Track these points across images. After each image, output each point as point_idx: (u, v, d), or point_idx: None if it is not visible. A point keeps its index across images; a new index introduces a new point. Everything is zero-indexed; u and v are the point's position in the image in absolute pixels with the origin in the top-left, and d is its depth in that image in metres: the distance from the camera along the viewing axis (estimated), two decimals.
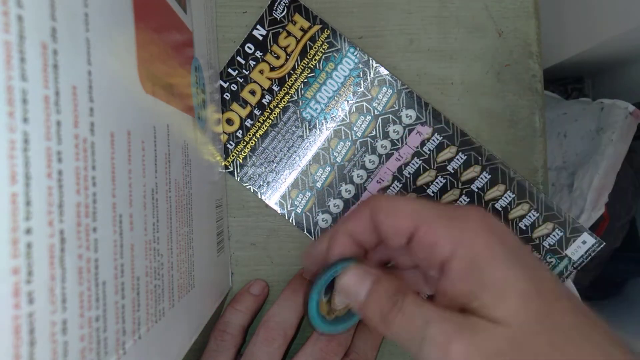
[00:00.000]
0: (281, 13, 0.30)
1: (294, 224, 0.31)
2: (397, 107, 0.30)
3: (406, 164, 0.30)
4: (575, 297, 0.19)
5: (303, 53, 0.30)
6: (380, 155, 0.30)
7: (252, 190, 0.31)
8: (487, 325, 0.18)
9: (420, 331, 0.18)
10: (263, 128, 0.30)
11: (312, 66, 0.30)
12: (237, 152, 0.30)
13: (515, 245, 0.19)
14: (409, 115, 0.30)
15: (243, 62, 0.30)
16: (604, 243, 0.30)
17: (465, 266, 0.19)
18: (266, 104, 0.30)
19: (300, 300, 0.28)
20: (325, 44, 0.30)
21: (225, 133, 0.30)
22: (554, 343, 0.17)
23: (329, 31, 0.30)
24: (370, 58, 0.30)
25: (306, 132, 0.30)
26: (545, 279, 0.18)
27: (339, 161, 0.30)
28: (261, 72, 0.30)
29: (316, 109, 0.30)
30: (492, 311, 0.18)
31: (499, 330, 0.17)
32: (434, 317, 0.18)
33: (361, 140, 0.30)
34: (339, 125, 0.30)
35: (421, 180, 0.30)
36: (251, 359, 0.26)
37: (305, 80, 0.30)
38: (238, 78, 0.30)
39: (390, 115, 0.30)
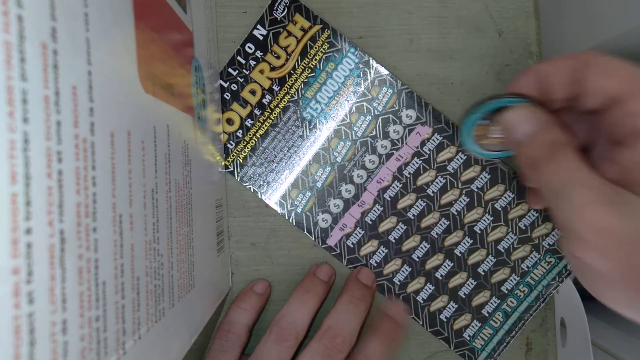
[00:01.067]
0: (281, 13, 0.30)
1: (294, 223, 0.31)
2: (397, 107, 0.30)
3: (406, 164, 0.30)
4: None
5: (303, 53, 0.30)
6: (380, 155, 0.30)
7: (252, 190, 0.31)
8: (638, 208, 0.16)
9: (561, 188, 0.18)
10: (263, 128, 0.30)
11: (312, 66, 0.30)
12: (238, 152, 0.30)
13: None
14: (409, 115, 0.30)
15: (243, 61, 0.30)
16: None
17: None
18: (266, 103, 0.30)
19: (312, 301, 0.28)
20: (326, 44, 0.30)
21: (226, 133, 0.30)
22: None
23: (329, 31, 0.30)
24: (371, 58, 0.30)
25: (306, 132, 0.30)
26: None
27: (339, 161, 0.30)
28: (261, 71, 0.30)
29: (316, 108, 0.30)
30: None
31: None
32: (583, 179, 0.18)
33: (361, 140, 0.30)
34: (339, 125, 0.30)
35: (421, 180, 0.30)
36: (261, 357, 0.26)
37: (306, 80, 0.30)
38: (238, 78, 0.30)
39: (391, 115, 0.30)
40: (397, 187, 0.30)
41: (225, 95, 0.30)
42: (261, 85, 0.30)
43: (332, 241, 0.31)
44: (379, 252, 0.30)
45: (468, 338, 0.31)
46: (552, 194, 0.19)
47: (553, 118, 0.21)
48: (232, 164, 0.31)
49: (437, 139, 0.30)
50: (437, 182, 0.30)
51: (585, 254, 0.17)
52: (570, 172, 0.18)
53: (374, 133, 0.30)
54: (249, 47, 0.30)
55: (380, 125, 0.30)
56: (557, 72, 0.21)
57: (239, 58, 0.30)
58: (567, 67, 0.21)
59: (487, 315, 0.31)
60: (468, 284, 0.31)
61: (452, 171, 0.30)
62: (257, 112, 0.30)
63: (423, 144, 0.30)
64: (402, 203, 0.30)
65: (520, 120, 0.21)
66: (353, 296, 0.28)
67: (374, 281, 0.30)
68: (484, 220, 0.30)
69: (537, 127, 0.20)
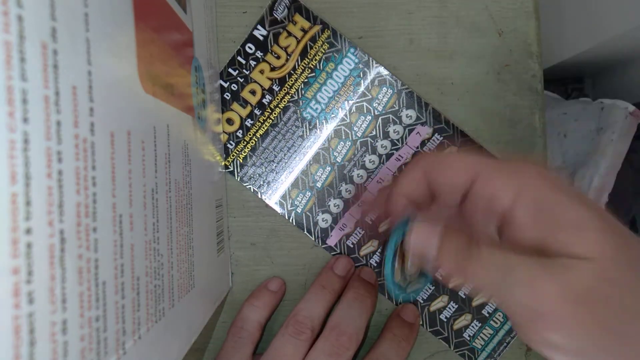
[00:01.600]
0: (282, 13, 0.30)
1: (294, 223, 0.31)
2: (397, 107, 0.30)
3: (406, 164, 0.30)
4: None
5: (303, 53, 0.30)
6: (380, 155, 0.30)
7: (252, 190, 0.31)
8: (572, 262, 0.17)
9: (503, 276, 0.18)
10: (263, 128, 0.30)
11: (312, 66, 0.30)
12: (238, 152, 0.30)
13: (575, 190, 0.19)
14: (409, 115, 0.30)
15: (243, 62, 0.30)
16: None
17: (532, 212, 0.18)
18: (266, 103, 0.30)
19: (329, 297, 0.28)
20: (326, 44, 0.30)
21: (226, 133, 0.30)
22: None
23: (329, 31, 0.30)
24: (371, 58, 0.30)
25: (306, 132, 0.30)
26: (612, 217, 0.18)
27: (339, 161, 0.30)
28: (261, 72, 0.30)
29: (316, 108, 0.30)
30: (573, 249, 0.17)
31: (585, 266, 0.17)
32: (516, 261, 0.18)
33: (361, 140, 0.30)
34: (339, 125, 0.30)
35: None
36: (277, 351, 0.26)
37: (306, 80, 0.30)
38: (238, 78, 0.30)
39: (391, 116, 0.30)
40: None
41: (225, 95, 0.30)
42: (261, 86, 0.30)
43: (332, 241, 0.31)
44: (379, 252, 0.30)
45: (468, 338, 0.31)
46: (493, 286, 0.19)
47: (451, 226, 0.21)
48: (232, 164, 0.31)
49: (438, 139, 0.30)
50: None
51: (554, 329, 0.17)
52: (502, 260, 0.18)
53: (374, 133, 0.30)
54: (249, 47, 0.30)
55: (380, 125, 0.30)
56: (412, 186, 0.22)
57: (239, 58, 0.30)
58: (418, 177, 0.21)
59: (487, 315, 0.31)
60: (468, 284, 0.31)
61: None
62: (257, 112, 0.30)
63: (423, 144, 0.30)
64: None
65: (423, 239, 0.21)
66: (358, 293, 0.28)
67: (376, 279, 0.30)
68: None
69: (440, 237, 0.20)
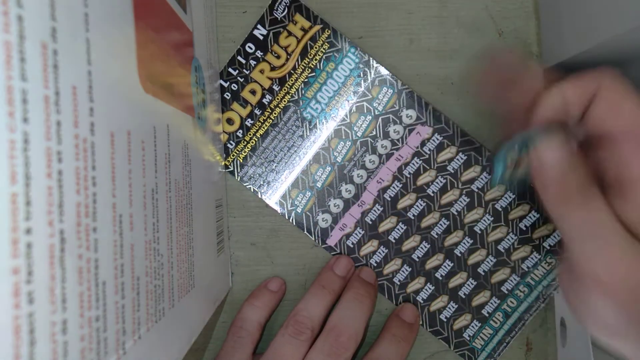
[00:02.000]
0: (282, 13, 0.30)
1: (294, 223, 0.31)
2: (397, 107, 0.30)
3: (406, 164, 0.30)
4: None
5: (304, 53, 0.30)
6: (380, 155, 0.30)
7: (252, 190, 0.31)
8: None
9: (593, 238, 0.18)
10: (263, 128, 0.30)
11: (312, 66, 0.30)
12: (238, 152, 0.30)
13: None
14: (409, 115, 0.30)
15: (244, 61, 0.30)
16: None
17: None
18: (267, 103, 0.30)
19: (329, 297, 0.28)
20: (326, 43, 0.30)
21: (226, 132, 0.30)
22: None
23: (329, 31, 0.30)
24: (371, 58, 0.30)
25: (306, 131, 0.30)
26: None
27: (339, 161, 0.30)
28: (262, 71, 0.30)
29: (317, 108, 0.30)
30: None
31: None
32: (611, 233, 0.18)
33: (361, 140, 0.30)
34: (339, 125, 0.30)
35: (421, 180, 0.30)
36: (277, 351, 0.26)
37: (306, 80, 0.30)
38: (238, 77, 0.30)
39: (391, 115, 0.30)
40: (397, 187, 0.30)
41: (225, 95, 0.30)
42: (261, 85, 0.30)
43: (332, 241, 0.31)
44: (379, 252, 0.30)
45: (468, 338, 0.31)
46: (577, 238, 0.19)
47: (580, 156, 0.20)
48: (232, 164, 0.31)
49: (438, 139, 0.30)
50: (437, 182, 0.30)
51: (599, 300, 0.18)
52: (599, 223, 0.18)
53: (374, 133, 0.30)
54: (249, 47, 0.30)
55: (381, 125, 0.30)
56: (582, 94, 0.21)
57: (239, 58, 0.30)
58: (584, 91, 0.20)
59: (487, 315, 0.31)
60: (468, 284, 0.31)
61: (453, 171, 0.30)
62: (257, 112, 0.30)
63: (423, 144, 0.30)
64: (402, 203, 0.30)
65: (549, 160, 0.20)
66: (357, 293, 0.28)
67: (375, 279, 0.30)
68: (484, 220, 0.30)
69: (566, 169, 0.20)
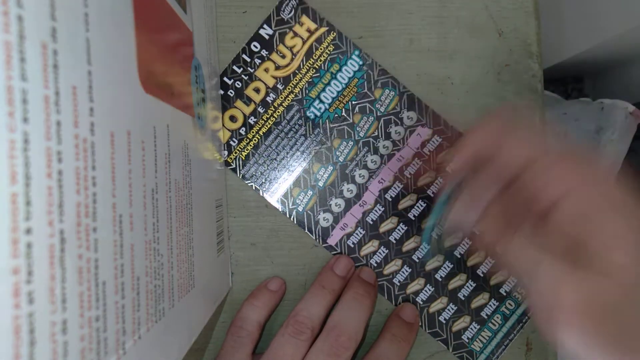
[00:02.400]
0: (289, 14, 0.30)
1: (295, 222, 0.31)
2: (398, 109, 0.30)
3: (407, 165, 0.30)
4: None
5: (309, 54, 0.30)
6: (382, 156, 0.30)
7: (254, 188, 0.31)
8: (595, 276, 0.18)
9: (531, 268, 0.19)
10: (266, 126, 0.30)
11: (317, 67, 0.30)
12: (240, 150, 0.30)
13: (621, 200, 0.19)
14: (410, 117, 0.30)
15: (248, 59, 0.30)
16: None
17: (576, 211, 0.19)
18: (270, 102, 0.30)
19: (329, 297, 0.28)
20: (331, 45, 0.30)
21: (229, 130, 0.30)
22: None
23: (335, 33, 0.30)
24: (375, 61, 0.30)
25: (309, 131, 0.30)
26: None
27: (342, 160, 0.30)
28: (266, 70, 0.30)
29: (320, 108, 0.30)
30: (601, 261, 0.18)
31: (607, 282, 0.18)
32: (546, 260, 0.19)
33: (363, 140, 0.30)
34: (342, 125, 0.30)
35: (422, 181, 0.30)
36: (277, 351, 0.26)
37: (310, 80, 0.30)
38: (243, 75, 0.30)
39: (392, 117, 0.30)
40: (399, 187, 0.30)
41: (229, 93, 0.30)
42: (265, 84, 0.30)
43: (332, 240, 0.31)
44: (380, 253, 0.30)
45: (467, 340, 0.31)
46: (521, 273, 0.20)
47: (490, 203, 0.22)
48: (234, 162, 0.31)
49: (437, 141, 0.30)
50: (437, 183, 0.30)
51: (565, 330, 0.19)
52: (527, 256, 0.20)
53: (376, 134, 0.30)
54: (254, 45, 0.30)
55: (382, 126, 0.30)
56: (487, 138, 0.22)
57: (244, 56, 0.30)
58: (494, 133, 0.22)
59: (485, 317, 0.31)
60: (467, 286, 0.31)
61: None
62: (260, 110, 0.30)
63: (423, 145, 0.30)
64: (403, 204, 0.30)
65: (461, 218, 0.22)
66: (357, 293, 0.28)
67: (375, 280, 0.30)
68: None
69: (477, 218, 0.22)
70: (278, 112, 0.30)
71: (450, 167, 0.23)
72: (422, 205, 0.30)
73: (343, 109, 0.30)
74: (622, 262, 0.18)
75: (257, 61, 0.30)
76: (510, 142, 0.21)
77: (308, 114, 0.30)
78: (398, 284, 0.31)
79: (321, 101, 0.30)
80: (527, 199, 0.21)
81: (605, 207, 0.19)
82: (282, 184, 0.31)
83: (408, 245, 0.31)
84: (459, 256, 0.31)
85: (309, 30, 0.30)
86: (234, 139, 0.30)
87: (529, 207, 0.21)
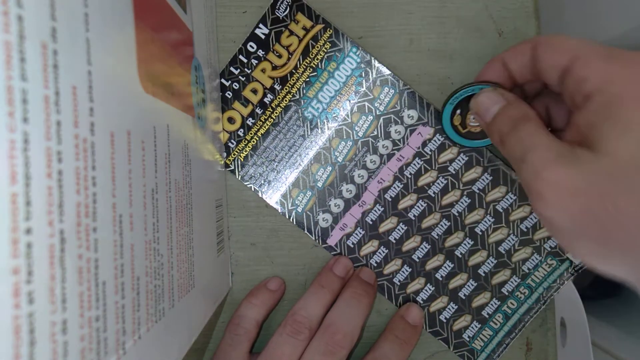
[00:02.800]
0: (284, 12, 0.30)
1: (294, 223, 0.31)
2: (398, 108, 0.30)
3: (407, 164, 0.30)
4: None
5: (305, 52, 0.30)
6: (381, 155, 0.30)
7: (253, 189, 0.31)
8: (590, 156, 0.18)
9: (522, 154, 0.20)
10: (265, 127, 0.30)
11: (314, 65, 0.30)
12: (239, 151, 0.30)
13: None
14: (410, 115, 0.30)
15: (245, 60, 0.30)
16: None
17: (603, 100, 0.19)
18: (268, 102, 0.30)
19: (327, 297, 0.28)
20: (328, 43, 0.30)
21: (227, 131, 0.30)
22: None
23: (331, 30, 0.30)
24: (373, 58, 0.30)
25: (308, 131, 0.30)
26: None
27: (340, 161, 0.30)
28: (263, 70, 0.30)
29: (318, 108, 0.30)
30: (606, 143, 0.18)
31: (602, 161, 0.18)
32: (540, 143, 0.20)
33: (362, 140, 0.30)
34: (340, 125, 0.30)
35: (422, 181, 0.30)
36: (275, 350, 0.26)
37: (307, 79, 0.30)
38: (240, 77, 0.30)
39: (392, 116, 0.30)
40: (398, 187, 0.30)
41: (227, 94, 0.30)
42: (263, 84, 0.30)
43: (332, 241, 0.31)
44: (379, 253, 0.30)
45: (467, 339, 0.31)
46: (516, 162, 0.21)
47: (515, 96, 0.23)
48: (233, 163, 0.31)
49: (439, 140, 0.30)
50: (438, 183, 0.30)
51: (547, 211, 0.19)
52: (529, 139, 0.20)
53: (375, 133, 0.30)
54: (250, 46, 0.30)
55: (382, 125, 0.30)
56: (515, 58, 0.23)
57: (240, 57, 0.30)
58: (525, 50, 0.23)
59: (487, 316, 0.31)
60: (468, 285, 0.31)
61: (454, 172, 0.30)
62: (258, 111, 0.30)
63: (424, 144, 0.30)
64: (403, 203, 0.30)
65: (486, 102, 0.23)
66: (355, 292, 0.28)
67: (375, 280, 0.30)
68: (485, 221, 0.30)
69: (501, 106, 0.23)
70: (276, 112, 0.30)
71: (486, 69, 0.25)
72: (422, 205, 0.30)
73: (341, 108, 0.30)
74: (625, 145, 0.17)
75: (254, 62, 0.30)
76: (550, 48, 0.21)
77: (306, 114, 0.30)
78: (398, 283, 0.31)
79: (319, 101, 0.30)
80: (570, 98, 0.21)
81: (636, 97, 0.18)
82: (281, 185, 0.31)
83: (408, 245, 0.30)
84: (459, 255, 0.31)
85: (304, 28, 0.30)
86: (232, 141, 0.30)
87: (571, 105, 0.21)
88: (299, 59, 0.30)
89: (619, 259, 0.18)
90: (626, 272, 0.19)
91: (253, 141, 0.30)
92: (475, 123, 0.27)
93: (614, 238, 0.18)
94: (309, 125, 0.30)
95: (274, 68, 0.30)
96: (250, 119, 0.30)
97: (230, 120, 0.30)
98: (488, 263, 0.30)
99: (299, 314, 0.27)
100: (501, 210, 0.30)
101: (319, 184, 0.30)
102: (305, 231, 0.31)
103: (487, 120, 0.23)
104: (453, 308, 0.31)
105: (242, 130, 0.30)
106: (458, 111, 0.27)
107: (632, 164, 0.17)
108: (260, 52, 0.30)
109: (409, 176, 0.30)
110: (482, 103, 0.24)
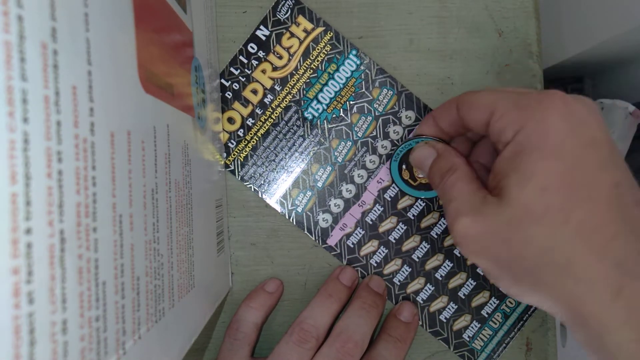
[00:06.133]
0: (285, 14, 0.30)
1: (294, 223, 0.31)
2: (397, 109, 0.30)
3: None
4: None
5: (306, 54, 0.30)
6: (380, 156, 0.30)
7: (252, 189, 0.31)
8: (496, 207, 0.20)
9: (445, 204, 0.22)
10: (264, 127, 0.30)
11: (314, 67, 0.30)
12: (239, 151, 0.30)
13: (582, 139, 0.19)
14: (408, 116, 0.30)
15: (245, 61, 0.30)
16: None
17: (513, 150, 0.20)
18: (268, 103, 0.30)
19: (334, 306, 0.28)
20: (328, 45, 0.30)
21: (227, 132, 0.30)
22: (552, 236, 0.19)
23: (332, 33, 0.30)
24: (372, 60, 0.30)
25: (307, 131, 0.30)
26: (588, 176, 0.19)
27: (340, 161, 0.30)
28: (263, 71, 0.30)
29: (318, 109, 0.30)
30: (510, 193, 0.19)
31: (505, 211, 0.19)
32: (458, 195, 0.22)
33: (362, 140, 0.30)
34: (340, 126, 0.30)
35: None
36: (281, 357, 0.26)
37: (308, 80, 0.30)
38: (240, 77, 0.30)
39: (391, 116, 0.30)
40: (397, 187, 0.30)
41: (227, 94, 0.30)
42: (263, 85, 0.30)
43: (332, 241, 0.31)
44: (379, 252, 0.30)
45: (467, 339, 0.31)
46: (444, 209, 0.23)
47: (446, 146, 0.25)
48: (233, 163, 0.31)
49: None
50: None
51: (466, 256, 0.22)
52: (450, 191, 0.22)
53: (375, 133, 0.30)
54: (251, 46, 0.30)
55: (381, 125, 0.30)
56: (443, 116, 0.25)
57: (241, 57, 0.30)
58: (449, 110, 0.25)
59: (486, 315, 0.31)
60: (468, 284, 0.31)
61: None
62: (258, 111, 0.30)
63: None
64: (402, 203, 0.30)
65: (419, 156, 0.26)
66: (365, 302, 0.28)
67: (384, 289, 0.30)
68: None
69: (433, 159, 0.25)
70: (276, 113, 0.30)
71: (421, 126, 0.27)
72: (421, 205, 0.30)
73: (341, 109, 0.30)
74: (525, 196, 0.19)
75: (254, 62, 0.30)
76: (470, 106, 0.23)
77: (306, 114, 0.30)
78: (398, 283, 0.31)
79: (319, 102, 0.30)
80: (492, 149, 0.23)
81: (540, 146, 0.19)
82: (280, 186, 0.31)
83: (408, 244, 0.31)
84: (458, 255, 0.31)
85: (305, 31, 0.30)
86: (232, 141, 0.30)
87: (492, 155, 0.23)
88: (299, 61, 0.30)
89: (533, 296, 0.20)
90: (544, 307, 0.20)
91: (253, 141, 0.30)
92: (421, 174, 0.29)
93: (523, 280, 0.20)
94: (308, 125, 0.30)
95: (275, 69, 0.30)
96: (250, 119, 0.30)
97: (230, 120, 0.30)
98: None
99: (306, 323, 0.27)
100: None
101: (319, 184, 0.30)
102: (305, 231, 0.31)
103: (425, 171, 0.26)
104: (453, 308, 0.31)
105: (242, 130, 0.30)
106: (404, 166, 0.29)
107: (529, 214, 0.19)
108: (261, 53, 0.30)
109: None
110: (416, 158, 0.26)
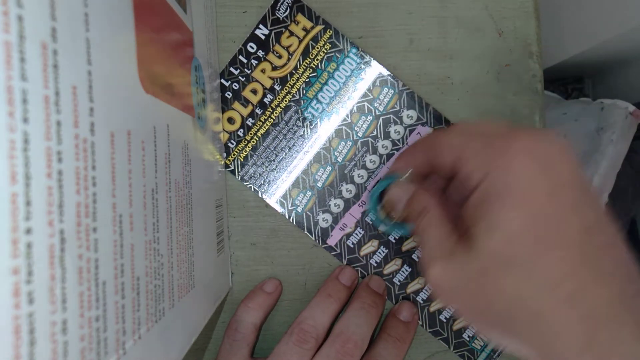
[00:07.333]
0: (284, 13, 0.30)
1: (294, 223, 0.31)
2: (398, 108, 0.30)
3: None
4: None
5: (305, 53, 0.30)
6: (381, 156, 0.30)
7: (252, 190, 0.31)
8: (465, 254, 0.20)
9: (420, 246, 0.22)
10: (264, 127, 0.30)
11: (314, 66, 0.30)
12: (238, 151, 0.30)
13: (551, 182, 0.19)
14: (409, 115, 0.30)
15: (245, 61, 0.30)
16: None
17: (479, 197, 0.20)
18: (268, 103, 0.30)
19: (334, 306, 0.28)
20: (328, 44, 0.30)
21: (227, 132, 0.30)
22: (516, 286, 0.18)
23: (331, 31, 0.30)
24: (372, 59, 0.30)
25: (307, 131, 0.30)
26: (554, 224, 0.19)
27: (340, 161, 0.30)
28: (263, 71, 0.30)
29: (318, 108, 0.30)
30: (478, 240, 0.19)
31: (474, 260, 0.19)
32: (431, 239, 0.22)
33: (362, 140, 0.30)
34: (340, 125, 0.30)
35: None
36: (281, 358, 0.26)
37: (307, 80, 0.30)
38: (240, 77, 0.30)
39: (392, 116, 0.30)
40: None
41: (226, 94, 0.30)
42: (263, 85, 0.30)
43: (332, 241, 0.31)
44: (379, 252, 0.30)
45: (467, 339, 0.31)
46: (420, 248, 0.23)
47: (417, 187, 0.25)
48: (232, 163, 0.31)
49: None
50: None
51: (440, 300, 0.22)
52: (422, 234, 0.22)
53: (375, 133, 0.30)
54: (250, 46, 0.30)
55: (381, 125, 0.30)
56: (414, 158, 0.25)
57: (240, 57, 0.30)
58: (420, 151, 0.25)
59: None
60: None
61: None
62: (258, 111, 0.30)
63: None
64: None
65: (393, 197, 0.26)
66: (364, 302, 0.28)
67: (384, 289, 0.30)
68: None
69: (407, 199, 0.25)
70: (276, 113, 0.30)
71: (395, 165, 0.27)
72: None
73: (341, 109, 0.30)
74: (492, 244, 0.19)
75: (254, 62, 0.30)
76: (436, 151, 0.23)
77: (306, 114, 0.30)
78: (398, 283, 0.31)
79: (319, 101, 0.30)
80: (460, 192, 0.22)
81: (504, 193, 0.19)
82: (280, 185, 0.31)
83: (408, 244, 0.31)
84: None
85: (304, 29, 0.30)
86: (232, 141, 0.30)
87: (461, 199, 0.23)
88: (299, 60, 0.30)
89: (509, 343, 0.20)
90: (521, 353, 0.20)
91: (253, 141, 0.30)
92: (398, 213, 0.29)
93: (496, 327, 0.20)
94: (308, 125, 0.30)
95: (274, 68, 0.30)
96: (250, 119, 0.30)
97: (230, 120, 0.30)
98: None
99: (305, 323, 0.27)
100: None
101: (319, 184, 0.30)
102: (305, 231, 0.31)
103: (400, 214, 0.26)
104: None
105: (242, 130, 0.30)
106: (379, 207, 0.28)
107: (497, 264, 0.19)
108: (260, 53, 0.30)
109: None
110: (391, 199, 0.26)
